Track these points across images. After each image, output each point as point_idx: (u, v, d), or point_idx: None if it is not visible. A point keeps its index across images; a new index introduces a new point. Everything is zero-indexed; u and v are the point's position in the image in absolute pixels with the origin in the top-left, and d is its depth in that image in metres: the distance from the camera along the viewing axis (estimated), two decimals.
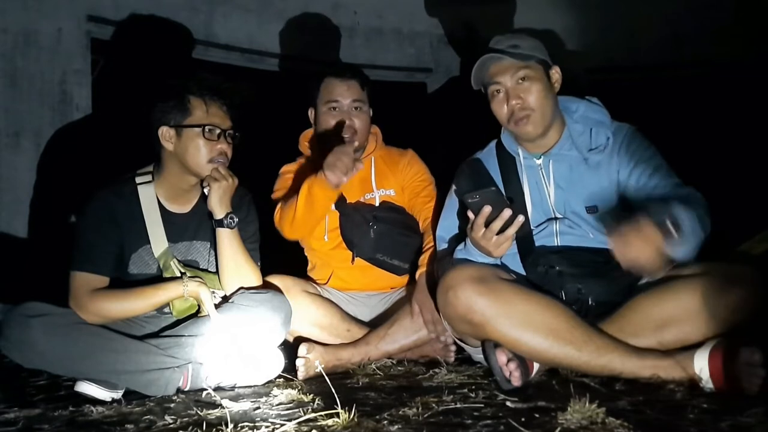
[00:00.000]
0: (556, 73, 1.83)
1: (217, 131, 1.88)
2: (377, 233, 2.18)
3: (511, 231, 1.61)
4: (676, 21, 3.51)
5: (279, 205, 2.21)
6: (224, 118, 1.91)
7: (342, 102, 2.23)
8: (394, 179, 2.31)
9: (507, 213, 1.59)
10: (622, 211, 1.79)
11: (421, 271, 2.07)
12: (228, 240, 1.91)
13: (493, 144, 1.97)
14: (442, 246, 1.93)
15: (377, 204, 2.27)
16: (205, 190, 1.91)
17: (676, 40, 3.53)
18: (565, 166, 1.81)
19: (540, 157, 1.84)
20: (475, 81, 1.83)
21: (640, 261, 1.46)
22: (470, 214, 1.64)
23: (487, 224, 1.61)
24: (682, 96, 3.47)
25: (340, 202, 2.26)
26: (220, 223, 1.90)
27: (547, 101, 1.78)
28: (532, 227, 1.82)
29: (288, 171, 2.33)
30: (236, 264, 1.92)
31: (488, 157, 1.95)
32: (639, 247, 1.45)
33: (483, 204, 1.60)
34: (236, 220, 1.91)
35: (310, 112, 2.32)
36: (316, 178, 2.01)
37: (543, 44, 1.85)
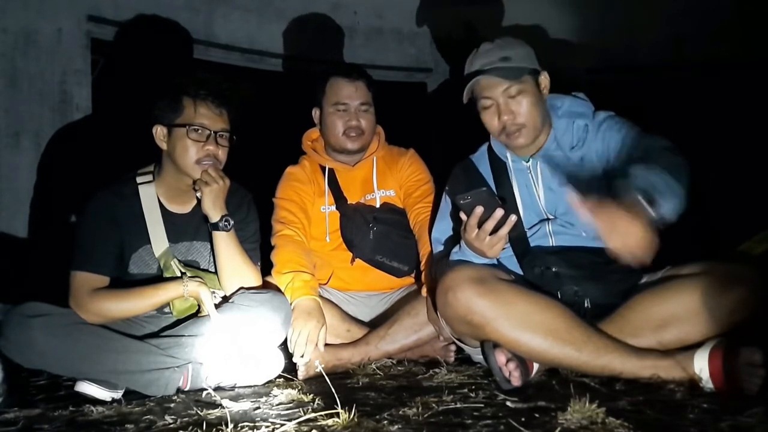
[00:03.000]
0: (545, 79, 1.80)
1: (206, 132, 1.86)
2: (377, 234, 2.18)
3: (504, 231, 1.60)
4: (676, 21, 3.51)
5: (278, 243, 2.15)
6: (215, 120, 1.88)
7: (350, 103, 2.22)
8: (393, 179, 2.31)
9: (499, 213, 1.59)
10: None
11: (426, 289, 2.05)
12: (225, 242, 1.90)
13: (485, 147, 1.97)
14: (438, 248, 1.93)
15: (378, 205, 2.26)
16: (198, 194, 1.90)
17: (676, 40, 3.53)
18: (553, 167, 1.81)
19: (528, 160, 1.84)
20: (466, 95, 1.80)
21: (631, 247, 1.40)
22: (463, 216, 1.64)
23: (480, 225, 1.61)
24: (681, 96, 3.47)
25: (342, 203, 2.26)
26: (215, 227, 1.89)
27: (538, 111, 1.76)
28: (525, 228, 1.82)
29: (292, 173, 2.32)
30: (234, 265, 1.91)
31: (480, 160, 1.95)
32: (625, 234, 1.39)
33: (475, 205, 1.60)
34: (232, 222, 1.90)
35: (315, 112, 2.31)
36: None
37: (532, 46, 1.82)
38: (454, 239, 1.86)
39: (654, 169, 1.47)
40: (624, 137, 1.73)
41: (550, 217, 1.81)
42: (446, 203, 1.95)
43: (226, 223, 1.89)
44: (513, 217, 1.60)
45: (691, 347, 1.50)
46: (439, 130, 3.62)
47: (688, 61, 3.53)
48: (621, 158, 1.70)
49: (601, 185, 1.75)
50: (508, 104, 1.74)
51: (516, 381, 1.53)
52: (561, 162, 1.80)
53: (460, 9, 3.66)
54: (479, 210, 1.60)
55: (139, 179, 1.94)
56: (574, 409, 1.21)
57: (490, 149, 1.94)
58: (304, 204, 2.25)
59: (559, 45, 3.47)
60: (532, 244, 1.80)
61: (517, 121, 1.74)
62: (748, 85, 3.25)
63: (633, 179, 1.45)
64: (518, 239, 1.79)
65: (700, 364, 1.44)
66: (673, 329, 1.58)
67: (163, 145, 1.89)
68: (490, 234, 1.61)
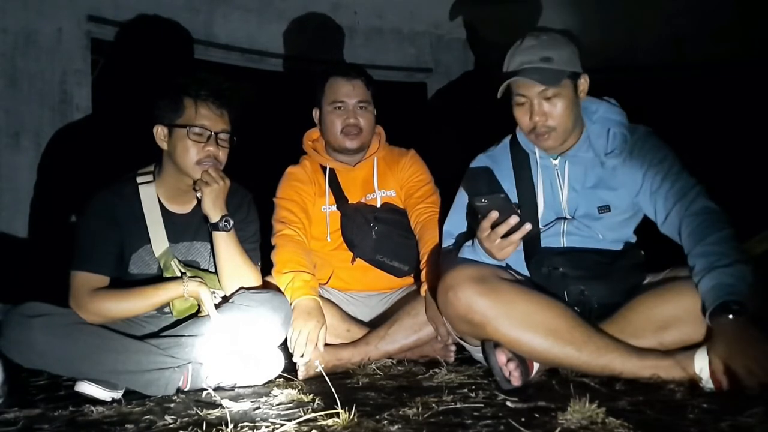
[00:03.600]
0: (585, 81, 1.76)
1: (207, 133, 1.86)
2: (378, 234, 2.18)
3: (516, 237, 1.60)
4: (676, 21, 3.51)
5: (278, 243, 2.15)
6: (216, 120, 1.88)
7: (347, 102, 2.22)
8: (393, 179, 2.31)
9: (513, 220, 1.58)
10: (632, 213, 1.80)
11: (425, 288, 2.05)
12: (225, 243, 1.90)
13: (507, 140, 1.94)
14: (449, 241, 1.91)
15: (378, 205, 2.26)
16: (198, 195, 1.90)
17: (676, 40, 3.53)
18: (581, 168, 1.80)
19: (557, 158, 1.81)
20: (501, 91, 1.75)
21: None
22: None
23: (494, 227, 1.61)
24: (681, 96, 3.47)
25: (342, 203, 2.26)
26: (215, 227, 1.89)
27: (571, 116, 1.73)
28: (541, 226, 1.81)
29: (293, 173, 2.32)
30: (234, 265, 1.91)
31: (502, 152, 1.92)
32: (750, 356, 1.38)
33: (491, 209, 1.59)
34: (232, 222, 1.90)
35: (315, 112, 2.31)
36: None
37: (576, 45, 1.78)
38: (467, 235, 1.86)
39: (719, 263, 1.51)
40: (662, 160, 1.73)
41: (568, 217, 1.81)
42: (462, 198, 1.92)
43: (226, 223, 1.89)
44: (527, 226, 1.59)
45: (692, 347, 1.50)
46: (439, 130, 3.62)
47: (688, 61, 3.53)
48: (656, 180, 1.71)
49: (626, 195, 1.77)
50: (542, 105, 1.71)
51: (516, 381, 1.53)
52: (591, 164, 1.79)
53: (460, 9, 3.66)
54: (494, 214, 1.59)
55: (139, 179, 1.94)
56: (574, 409, 1.21)
57: (513, 142, 1.91)
58: (304, 203, 2.25)
59: None
60: (542, 243, 1.80)
61: (548, 123, 1.72)
62: (748, 85, 3.25)
63: (715, 293, 1.47)
64: (531, 240, 1.78)
65: (700, 364, 1.44)
66: (674, 330, 1.58)
67: (164, 145, 1.89)
68: (502, 237, 1.61)
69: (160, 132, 1.88)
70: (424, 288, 2.06)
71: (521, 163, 1.87)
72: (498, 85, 1.74)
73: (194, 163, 1.86)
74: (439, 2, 3.68)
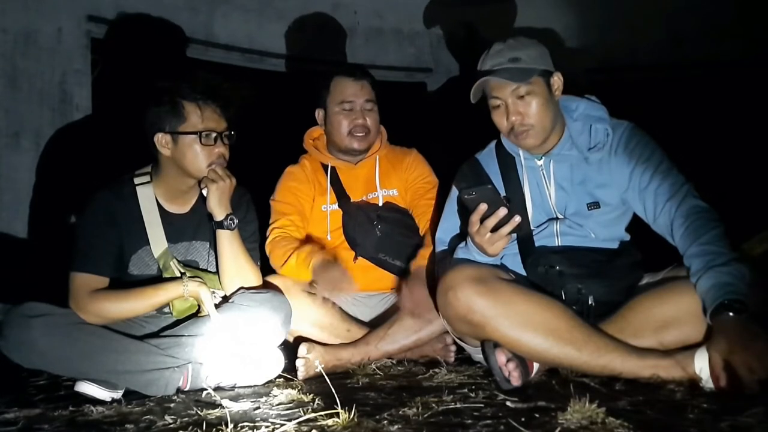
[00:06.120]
0: (558, 80, 1.78)
1: (214, 135, 1.87)
2: (381, 232, 2.18)
3: (506, 230, 1.61)
4: (676, 21, 3.51)
5: (271, 245, 2.16)
6: (219, 121, 1.88)
7: (356, 102, 2.22)
8: (396, 179, 2.31)
9: (502, 212, 1.59)
10: (622, 210, 1.80)
11: (418, 263, 2.05)
12: (228, 241, 1.90)
13: (492, 145, 1.96)
14: (441, 248, 1.93)
15: (380, 204, 2.26)
16: (204, 192, 1.90)
17: (676, 40, 3.53)
18: (566, 167, 1.81)
19: (541, 158, 1.83)
20: (474, 95, 1.79)
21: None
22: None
23: (483, 221, 1.61)
24: (681, 96, 3.47)
25: (344, 201, 2.26)
26: (220, 225, 1.89)
27: (548, 113, 1.75)
28: (532, 227, 1.82)
29: (291, 173, 2.32)
30: (237, 265, 1.91)
31: (488, 158, 1.94)
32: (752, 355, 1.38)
33: (479, 201, 1.60)
34: (236, 221, 1.91)
35: (318, 113, 2.31)
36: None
37: (545, 46, 1.80)
38: (459, 239, 1.86)
39: (715, 262, 1.52)
40: (650, 155, 1.73)
41: (560, 216, 1.81)
42: (452, 203, 1.94)
43: (230, 222, 1.89)
44: (517, 218, 1.60)
45: (692, 347, 1.50)
46: (439, 129, 3.62)
47: (688, 61, 3.53)
48: (646, 177, 1.72)
49: (614, 189, 1.77)
50: (516, 105, 1.73)
51: (516, 381, 1.53)
52: (576, 162, 1.79)
53: (460, 9, 3.66)
54: (483, 207, 1.60)
55: (136, 180, 1.94)
56: (574, 409, 1.21)
57: (498, 146, 1.93)
58: (301, 206, 2.25)
59: (559, 45, 3.47)
60: (537, 243, 1.80)
61: (525, 122, 1.74)
62: (748, 85, 3.25)
63: (715, 292, 1.48)
64: (524, 239, 1.79)
65: (700, 364, 1.44)
66: (673, 330, 1.58)
67: (167, 152, 1.87)
68: (492, 231, 1.61)
69: (162, 140, 1.87)
70: (415, 264, 2.07)
71: (507, 166, 1.89)
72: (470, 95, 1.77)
73: (206, 166, 1.86)
74: (439, 2, 3.69)
